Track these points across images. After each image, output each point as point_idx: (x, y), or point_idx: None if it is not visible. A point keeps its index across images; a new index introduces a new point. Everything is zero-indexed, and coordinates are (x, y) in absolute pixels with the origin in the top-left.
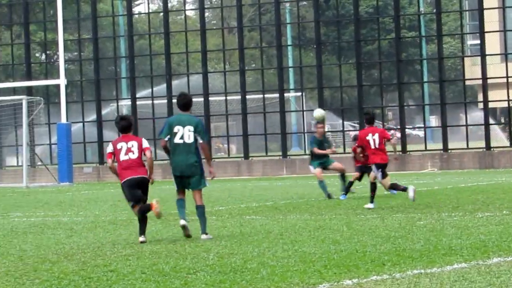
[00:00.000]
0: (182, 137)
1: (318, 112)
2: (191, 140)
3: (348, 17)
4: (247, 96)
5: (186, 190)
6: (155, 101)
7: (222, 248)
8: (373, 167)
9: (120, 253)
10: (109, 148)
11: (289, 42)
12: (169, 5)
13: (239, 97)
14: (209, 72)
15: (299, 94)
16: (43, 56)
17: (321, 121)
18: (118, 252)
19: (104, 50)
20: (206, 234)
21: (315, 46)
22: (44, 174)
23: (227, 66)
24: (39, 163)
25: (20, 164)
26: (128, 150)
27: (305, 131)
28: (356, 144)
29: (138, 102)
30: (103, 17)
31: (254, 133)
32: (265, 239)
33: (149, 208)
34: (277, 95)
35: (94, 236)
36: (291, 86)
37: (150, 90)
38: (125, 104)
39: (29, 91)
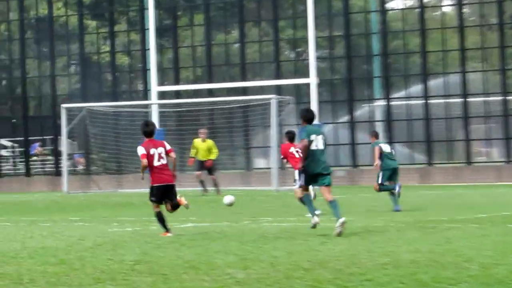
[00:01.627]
0: (317, 145)
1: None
2: (323, 146)
3: None
4: (508, 98)
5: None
6: (411, 102)
7: (485, 258)
8: (297, 173)
9: (376, 261)
10: (142, 150)
11: None
12: (425, 0)
13: (500, 98)
14: (466, 71)
15: None
16: (293, 54)
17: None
18: (374, 260)
19: (356, 48)
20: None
21: None
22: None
23: (486, 65)
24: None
25: (269, 166)
26: (159, 157)
27: None
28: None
29: (392, 103)
30: (356, 13)
31: None
32: None
33: (178, 204)
34: None
35: (348, 243)
36: None
37: (404, 90)
38: (378, 105)
39: (278, 90)
